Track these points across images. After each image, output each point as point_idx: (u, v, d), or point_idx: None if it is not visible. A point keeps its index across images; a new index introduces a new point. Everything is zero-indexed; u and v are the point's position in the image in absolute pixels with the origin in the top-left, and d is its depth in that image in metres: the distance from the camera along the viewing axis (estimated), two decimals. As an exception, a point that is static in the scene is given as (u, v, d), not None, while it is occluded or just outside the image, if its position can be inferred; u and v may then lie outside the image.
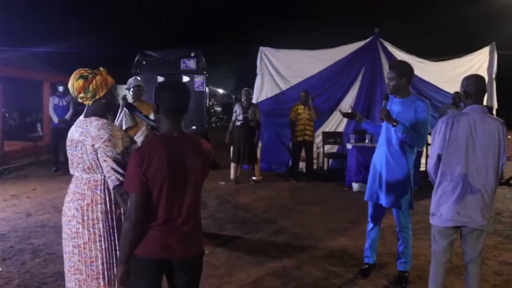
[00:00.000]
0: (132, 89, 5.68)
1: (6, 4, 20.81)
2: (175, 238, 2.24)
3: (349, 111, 4.92)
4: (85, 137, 2.48)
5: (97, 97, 2.55)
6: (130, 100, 5.50)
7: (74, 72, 2.55)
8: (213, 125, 24.56)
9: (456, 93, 9.12)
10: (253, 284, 4.09)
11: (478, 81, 3.19)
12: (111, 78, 2.63)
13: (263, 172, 9.47)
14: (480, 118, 3.07)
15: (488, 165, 3.05)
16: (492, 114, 5.93)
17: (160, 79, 10.69)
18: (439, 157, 3.16)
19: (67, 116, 9.87)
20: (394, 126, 3.84)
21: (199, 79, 10.73)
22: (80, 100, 2.58)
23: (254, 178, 8.97)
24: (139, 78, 5.78)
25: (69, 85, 2.55)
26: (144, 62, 10.81)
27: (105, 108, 2.62)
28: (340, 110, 5.83)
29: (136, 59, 10.89)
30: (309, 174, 9.16)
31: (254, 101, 9.53)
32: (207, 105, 16.11)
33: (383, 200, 4.06)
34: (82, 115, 2.62)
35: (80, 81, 2.51)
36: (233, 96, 34.29)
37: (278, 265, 4.55)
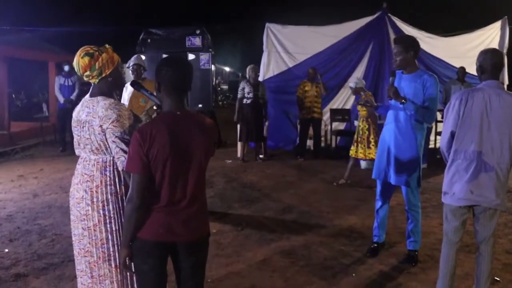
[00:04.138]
0: (131, 68, 5.50)
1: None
2: (179, 220, 2.18)
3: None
4: (92, 117, 2.43)
5: (103, 75, 2.48)
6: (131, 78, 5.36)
7: (80, 50, 2.47)
8: (220, 103, 24.42)
9: (461, 68, 9.00)
10: (260, 263, 4.08)
11: (495, 56, 3.06)
12: (118, 55, 2.56)
13: (270, 150, 9.42)
14: (495, 94, 2.96)
15: (503, 143, 2.95)
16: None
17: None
18: (452, 134, 3.06)
19: (73, 96, 9.84)
20: (402, 103, 3.75)
21: (204, 57, 10.59)
22: (85, 79, 2.51)
23: (261, 156, 8.91)
24: (142, 56, 5.56)
25: (74, 62, 2.48)
26: (149, 40, 10.69)
27: (112, 87, 2.55)
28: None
29: (141, 37, 10.78)
30: (317, 151, 9.10)
31: (260, 78, 9.40)
32: (214, 83, 15.97)
33: (392, 178, 4.00)
34: (88, 95, 2.56)
35: (86, 59, 2.43)
36: (240, 74, 34.10)
37: (286, 244, 4.54)
